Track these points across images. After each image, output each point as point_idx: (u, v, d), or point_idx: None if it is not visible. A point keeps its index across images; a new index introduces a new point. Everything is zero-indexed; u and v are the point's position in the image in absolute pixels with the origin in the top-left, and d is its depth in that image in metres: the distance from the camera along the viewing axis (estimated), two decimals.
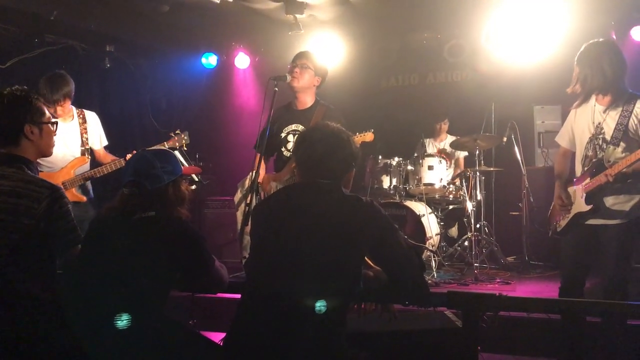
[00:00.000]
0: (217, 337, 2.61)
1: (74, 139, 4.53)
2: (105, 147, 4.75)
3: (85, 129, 4.58)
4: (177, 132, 4.61)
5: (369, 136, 4.31)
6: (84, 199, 4.45)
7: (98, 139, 4.70)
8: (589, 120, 3.40)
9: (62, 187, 3.91)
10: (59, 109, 4.37)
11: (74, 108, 4.59)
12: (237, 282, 2.83)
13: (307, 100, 4.29)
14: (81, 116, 4.61)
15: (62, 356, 2.38)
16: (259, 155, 4.18)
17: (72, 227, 2.55)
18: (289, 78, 4.16)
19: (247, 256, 3.38)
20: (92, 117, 4.69)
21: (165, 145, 4.48)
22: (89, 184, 4.59)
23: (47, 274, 2.53)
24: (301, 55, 4.28)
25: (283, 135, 4.29)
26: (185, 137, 4.57)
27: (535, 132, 6.81)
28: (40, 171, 4.24)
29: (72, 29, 6.21)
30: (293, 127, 4.28)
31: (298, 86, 4.21)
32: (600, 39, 3.42)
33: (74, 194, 4.37)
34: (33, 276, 2.46)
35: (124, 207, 2.39)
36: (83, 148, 4.55)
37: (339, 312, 2.20)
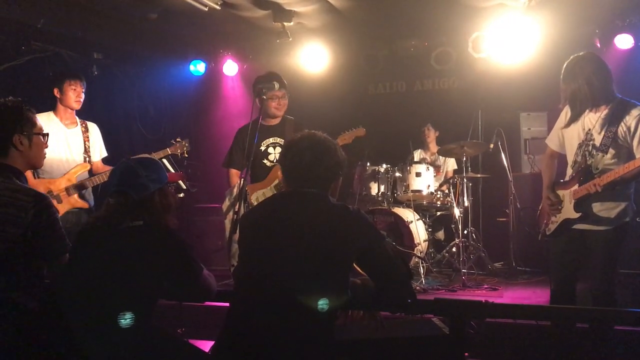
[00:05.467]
0: (206, 345, 2.61)
1: (77, 144, 4.59)
2: (104, 159, 4.78)
3: (88, 137, 4.66)
4: (178, 139, 4.89)
5: (361, 131, 4.61)
6: (87, 205, 4.47)
7: (98, 150, 4.76)
8: (579, 127, 3.43)
9: (48, 195, 3.96)
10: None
11: (77, 117, 4.65)
12: (226, 291, 2.82)
13: (278, 117, 4.68)
14: (84, 125, 4.71)
15: None
16: (233, 170, 4.65)
17: (59, 236, 2.54)
18: (273, 105, 4.50)
19: (235, 264, 3.39)
20: (94, 128, 4.79)
21: (168, 152, 4.77)
22: (89, 191, 4.62)
23: (34, 283, 2.52)
24: (280, 82, 4.55)
25: (263, 148, 4.62)
26: (187, 145, 4.90)
27: (521, 139, 6.86)
28: (42, 177, 4.30)
29: (59, 36, 6.17)
30: (271, 140, 4.65)
31: (281, 115, 4.65)
32: (581, 53, 3.44)
33: (76, 200, 4.39)
34: (19, 286, 2.45)
35: (110, 217, 2.38)
36: (85, 155, 4.60)
37: (327, 320, 2.21)
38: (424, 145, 7.28)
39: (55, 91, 4.53)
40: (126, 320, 2.28)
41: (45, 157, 2.81)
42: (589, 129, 3.37)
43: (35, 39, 6.06)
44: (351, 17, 6.37)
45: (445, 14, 6.25)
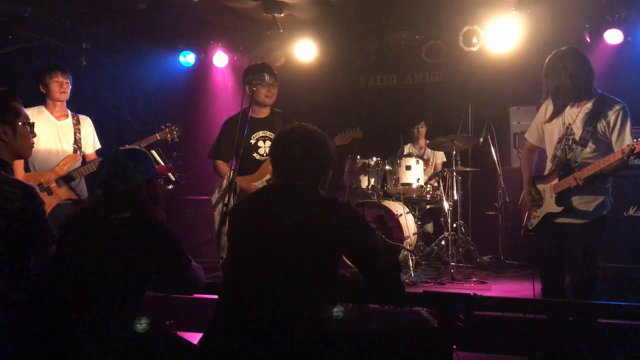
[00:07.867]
0: (194, 337, 2.60)
1: (67, 136, 4.56)
2: (97, 151, 4.76)
3: (79, 129, 4.62)
4: (167, 124, 4.86)
5: (358, 134, 4.62)
6: (76, 196, 4.45)
7: (91, 142, 4.73)
8: (560, 121, 3.47)
9: (36, 186, 3.93)
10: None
11: (68, 110, 4.62)
12: (215, 283, 2.82)
13: (267, 109, 4.62)
14: (75, 118, 4.69)
15: (32, 358, 2.36)
16: (220, 161, 4.59)
17: (46, 228, 2.52)
18: (263, 92, 4.46)
19: (224, 257, 3.38)
20: (86, 121, 4.77)
21: (157, 137, 4.74)
22: (83, 183, 4.58)
23: (19, 275, 2.50)
24: (270, 73, 4.55)
25: (252, 141, 4.55)
26: (177, 130, 4.84)
27: (511, 133, 6.87)
28: (28, 171, 4.27)
29: (48, 25, 6.11)
30: (261, 133, 4.59)
31: (271, 103, 4.59)
32: (563, 48, 3.47)
33: (66, 192, 4.36)
34: (5, 277, 2.43)
35: (97, 208, 2.37)
36: (76, 146, 4.57)
37: (316, 313, 2.21)
38: (413, 140, 7.29)
39: (41, 88, 4.51)
40: (114, 312, 2.27)
41: (33, 147, 2.77)
42: (570, 124, 3.42)
43: (22, 28, 5.99)
44: (342, 10, 6.36)
45: (436, 7, 6.25)
